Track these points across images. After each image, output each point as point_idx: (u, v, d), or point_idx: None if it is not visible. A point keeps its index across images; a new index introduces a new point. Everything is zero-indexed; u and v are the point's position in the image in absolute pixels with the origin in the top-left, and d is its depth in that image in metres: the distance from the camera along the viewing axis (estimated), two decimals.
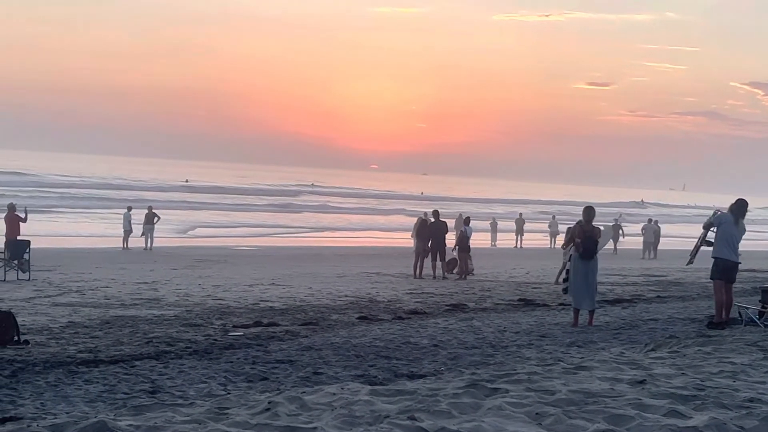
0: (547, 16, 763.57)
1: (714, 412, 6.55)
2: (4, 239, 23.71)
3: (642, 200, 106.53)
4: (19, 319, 12.59)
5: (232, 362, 10.86)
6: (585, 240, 15.23)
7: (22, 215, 24.74)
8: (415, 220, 28.74)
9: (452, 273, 26.85)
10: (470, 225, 28.62)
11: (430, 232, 26.68)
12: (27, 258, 22.65)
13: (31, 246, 23.26)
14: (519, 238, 47.36)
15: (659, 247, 42.12)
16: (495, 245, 47.46)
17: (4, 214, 25.27)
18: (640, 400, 6.92)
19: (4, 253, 22.73)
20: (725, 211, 14.47)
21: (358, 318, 15.77)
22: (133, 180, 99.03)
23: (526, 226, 48.81)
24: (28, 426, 6.29)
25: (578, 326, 14.87)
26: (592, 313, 15.38)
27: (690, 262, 16.10)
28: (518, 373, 8.27)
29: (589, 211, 15.51)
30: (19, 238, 23.90)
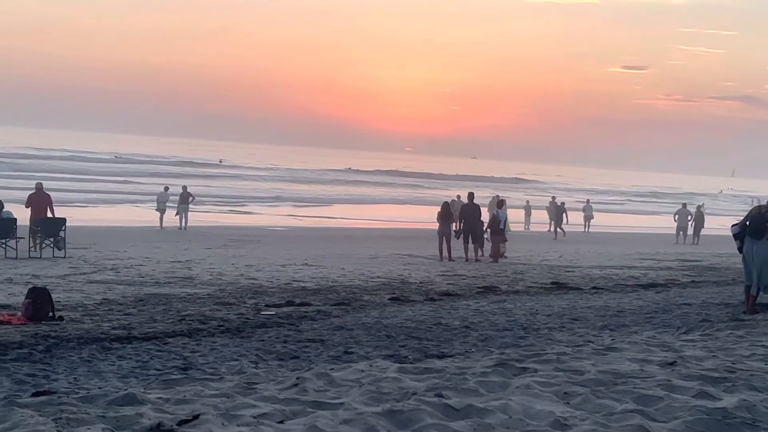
0: None
1: (744, 394, 6.49)
2: (32, 218, 23.95)
3: None
4: (54, 296, 12.76)
5: (263, 341, 10.94)
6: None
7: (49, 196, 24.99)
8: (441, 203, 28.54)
9: (485, 255, 26.77)
10: (503, 209, 28.08)
11: (461, 214, 26.59)
12: (63, 235, 22.90)
13: (67, 224, 23.52)
14: (552, 223, 46.98)
15: (702, 233, 41.19)
16: (528, 228, 47.24)
17: (31, 192, 25.41)
18: (669, 381, 6.88)
19: (38, 230, 22.97)
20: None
21: (389, 299, 15.80)
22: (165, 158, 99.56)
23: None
24: (59, 398, 6.37)
25: (749, 311, 13.85)
26: (752, 296, 14.23)
27: None
28: (547, 353, 8.25)
29: None
30: (54, 216, 24.20)
